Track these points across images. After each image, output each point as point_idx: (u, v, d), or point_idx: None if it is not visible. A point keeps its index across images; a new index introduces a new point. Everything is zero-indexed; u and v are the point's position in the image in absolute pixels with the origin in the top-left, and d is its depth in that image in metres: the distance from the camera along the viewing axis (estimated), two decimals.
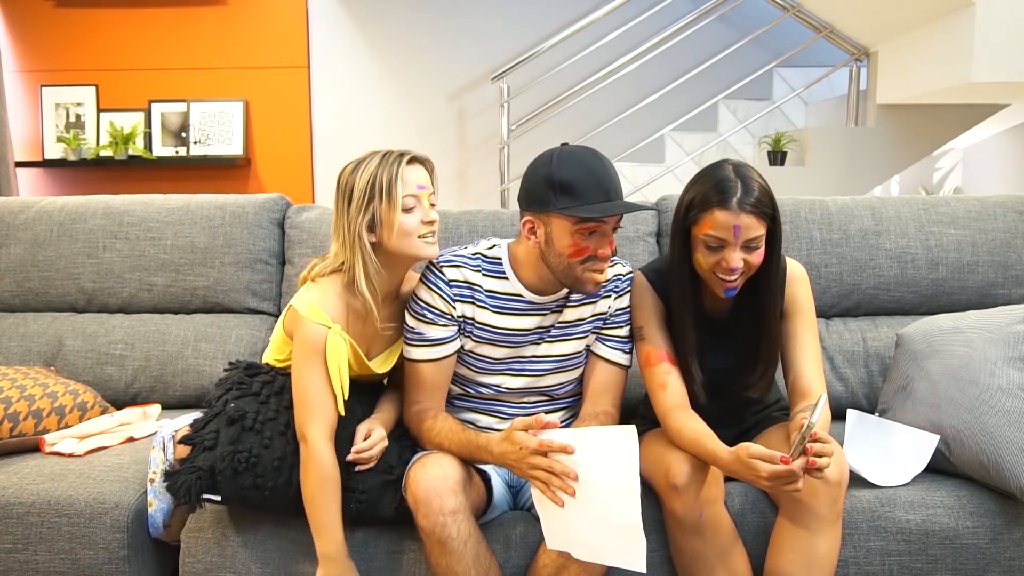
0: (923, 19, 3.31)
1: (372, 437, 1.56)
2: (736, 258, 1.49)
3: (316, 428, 1.51)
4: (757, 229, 1.49)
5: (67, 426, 1.92)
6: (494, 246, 1.64)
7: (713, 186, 1.51)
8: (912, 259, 2.12)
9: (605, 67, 4.07)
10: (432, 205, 1.59)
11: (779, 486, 1.36)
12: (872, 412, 1.93)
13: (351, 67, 4.35)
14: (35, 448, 1.86)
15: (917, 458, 1.68)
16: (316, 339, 1.52)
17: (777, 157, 3.94)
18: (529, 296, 1.61)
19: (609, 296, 1.66)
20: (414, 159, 1.58)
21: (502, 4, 4.36)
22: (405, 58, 4.38)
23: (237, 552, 1.60)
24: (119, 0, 4.13)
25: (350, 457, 1.54)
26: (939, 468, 1.69)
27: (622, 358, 1.67)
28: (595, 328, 1.67)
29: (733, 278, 1.52)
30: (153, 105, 4.14)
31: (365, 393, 1.68)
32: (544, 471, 1.39)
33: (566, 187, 1.46)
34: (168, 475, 1.57)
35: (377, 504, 1.54)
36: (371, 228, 1.55)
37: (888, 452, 1.72)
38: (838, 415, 1.87)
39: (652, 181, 4.14)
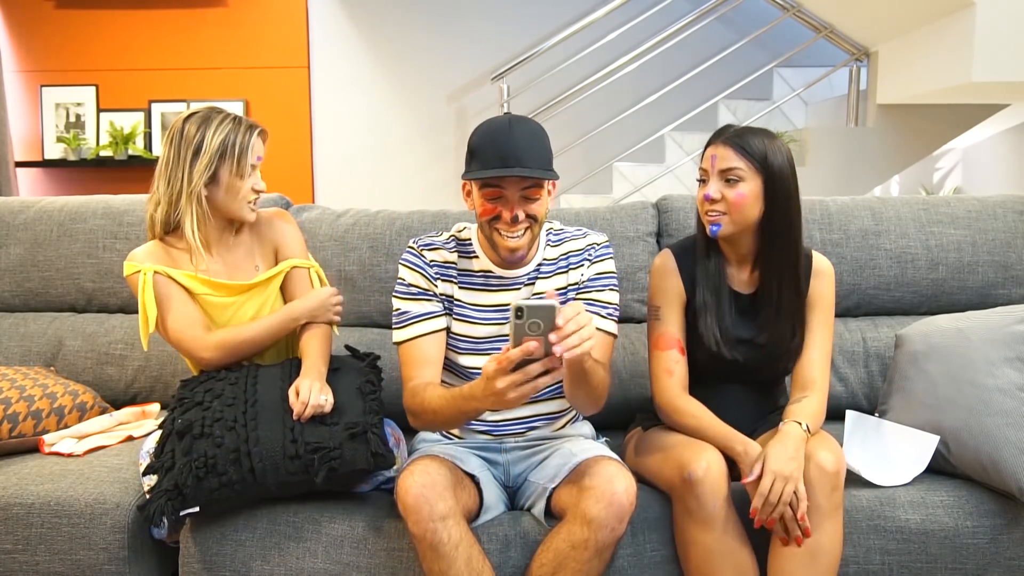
0: (923, 19, 3.31)
1: (301, 394, 1.57)
2: (714, 188, 1.59)
3: (199, 339, 1.68)
4: (732, 161, 1.59)
5: (66, 427, 1.92)
6: (464, 228, 1.71)
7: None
8: (912, 259, 2.12)
9: (605, 67, 4.07)
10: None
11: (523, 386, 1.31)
12: (872, 412, 1.93)
13: (351, 67, 4.35)
14: (34, 448, 1.86)
15: (917, 459, 1.68)
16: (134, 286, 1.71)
17: None
18: (499, 272, 1.66)
19: (582, 265, 1.68)
20: (262, 131, 1.75)
21: (502, 4, 4.36)
22: (405, 58, 4.38)
23: (236, 552, 1.60)
24: (119, 0, 4.14)
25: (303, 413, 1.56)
26: (939, 468, 1.69)
27: (611, 326, 1.65)
28: (572, 300, 1.65)
29: (712, 210, 1.60)
30: (153, 105, 4.14)
31: (290, 372, 1.69)
32: (526, 384, 1.32)
33: (473, 153, 1.56)
34: (141, 509, 1.59)
35: (353, 457, 1.55)
36: (206, 185, 1.69)
37: (888, 453, 1.72)
38: (838, 415, 1.87)
39: (652, 181, 4.14)
